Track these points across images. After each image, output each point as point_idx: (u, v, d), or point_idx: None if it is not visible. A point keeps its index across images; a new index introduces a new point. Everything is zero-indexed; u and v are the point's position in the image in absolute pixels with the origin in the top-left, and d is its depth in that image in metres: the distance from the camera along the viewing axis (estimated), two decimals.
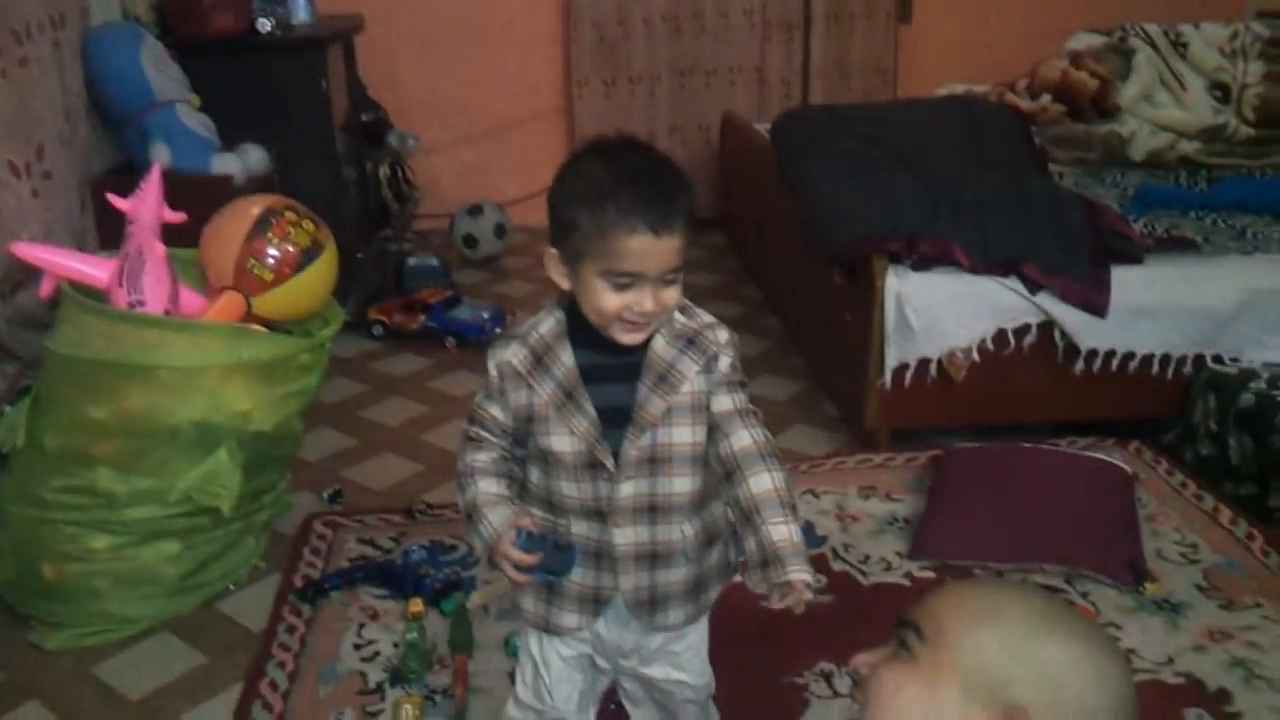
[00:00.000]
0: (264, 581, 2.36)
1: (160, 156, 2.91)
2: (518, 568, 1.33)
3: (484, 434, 1.42)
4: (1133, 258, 2.85)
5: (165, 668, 2.10)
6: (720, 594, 1.52)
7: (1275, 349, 2.86)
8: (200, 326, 2.18)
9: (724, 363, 1.37)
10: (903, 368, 2.81)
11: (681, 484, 1.37)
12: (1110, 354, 2.83)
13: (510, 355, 1.37)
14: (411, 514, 2.59)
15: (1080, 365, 2.83)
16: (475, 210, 4.58)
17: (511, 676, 2.00)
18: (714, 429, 1.38)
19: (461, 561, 2.39)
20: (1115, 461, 2.64)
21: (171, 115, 3.09)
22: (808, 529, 2.47)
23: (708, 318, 1.39)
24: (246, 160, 3.20)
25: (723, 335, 1.38)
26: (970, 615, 0.98)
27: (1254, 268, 2.90)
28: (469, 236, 4.56)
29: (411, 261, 4.09)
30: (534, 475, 1.41)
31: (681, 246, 1.26)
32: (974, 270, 2.76)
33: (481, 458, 1.42)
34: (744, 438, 1.37)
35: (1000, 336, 2.80)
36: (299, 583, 2.31)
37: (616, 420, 1.34)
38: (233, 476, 2.17)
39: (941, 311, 2.76)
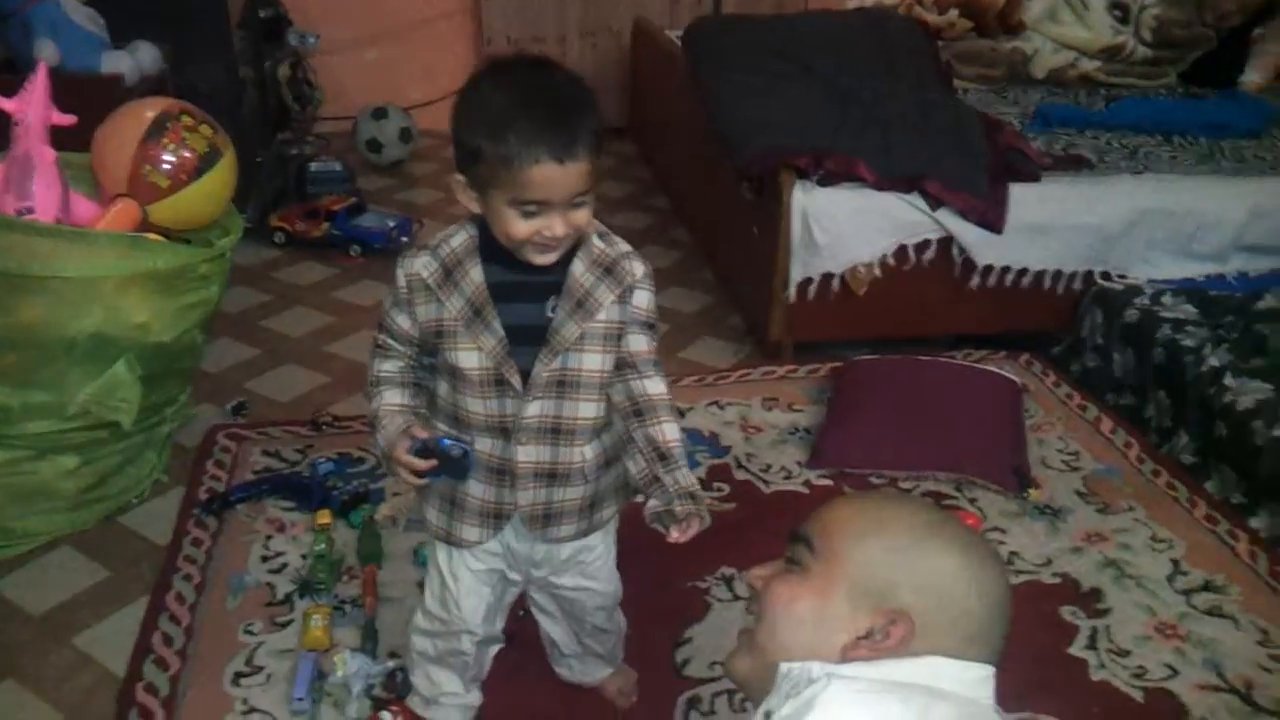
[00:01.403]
0: (167, 495, 2.34)
1: (46, 54, 2.77)
2: (415, 473, 1.36)
3: (391, 343, 1.42)
4: (1030, 175, 2.93)
5: (68, 582, 2.08)
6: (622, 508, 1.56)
7: (1160, 266, 2.99)
8: (94, 236, 2.11)
9: (641, 298, 1.38)
10: (807, 282, 2.87)
11: (587, 409, 1.39)
12: (1005, 269, 2.92)
13: (420, 267, 1.36)
14: (317, 426, 2.58)
15: (977, 280, 2.92)
16: (380, 113, 4.47)
17: (421, 586, 2.05)
18: (624, 364, 1.39)
19: (369, 473, 2.40)
20: (1005, 374, 2.75)
21: (56, 9, 2.93)
22: (712, 439, 2.54)
23: (624, 246, 1.39)
24: (138, 58, 3.06)
25: (639, 267, 1.38)
26: (857, 528, 1.03)
27: (1143, 187, 3.00)
28: (373, 141, 4.45)
29: (314, 166, 3.97)
30: (442, 389, 1.42)
31: (588, 170, 1.24)
32: (878, 186, 2.81)
33: (388, 367, 1.43)
34: (658, 384, 1.40)
35: (901, 252, 2.87)
36: (203, 495, 2.30)
37: (525, 338, 1.34)
38: (132, 389, 2.13)
39: (846, 227, 2.81)
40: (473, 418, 1.39)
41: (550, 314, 1.34)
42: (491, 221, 1.29)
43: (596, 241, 1.36)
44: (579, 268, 1.34)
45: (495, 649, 1.69)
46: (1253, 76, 4.11)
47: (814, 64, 3.31)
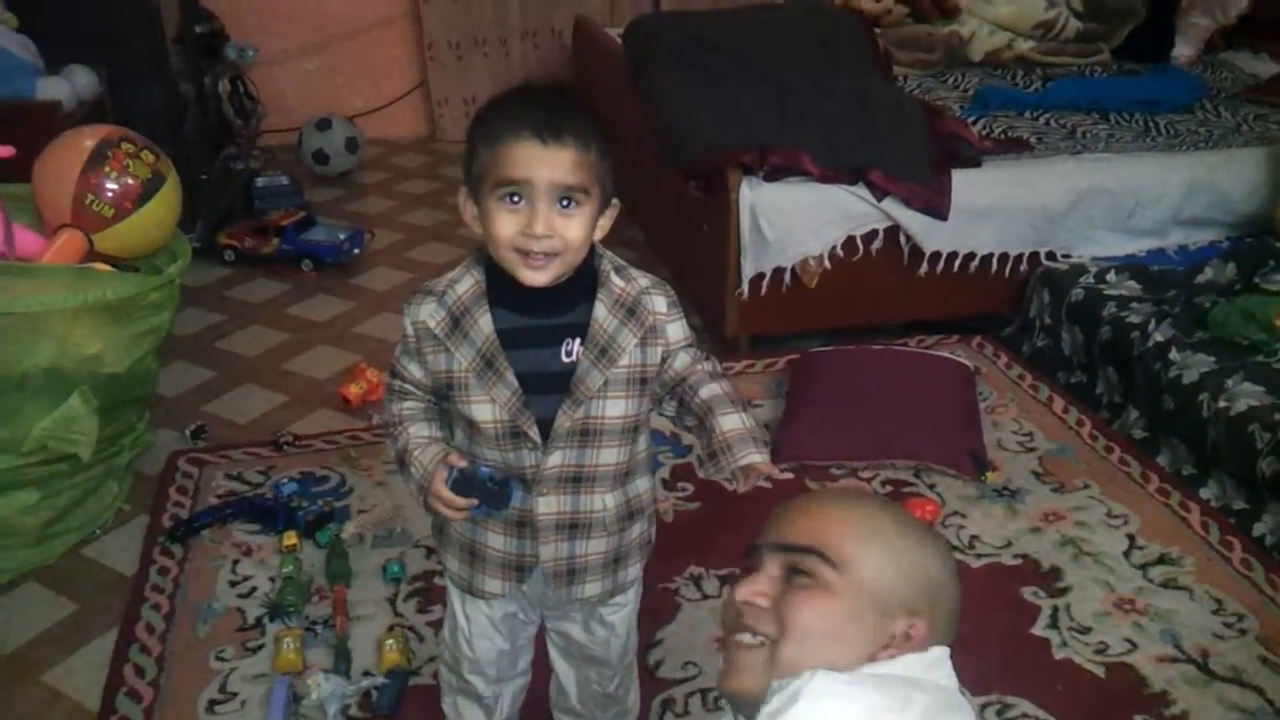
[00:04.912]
0: (131, 524, 2.32)
1: None
2: (454, 507, 1.29)
3: (408, 387, 1.37)
4: (971, 161, 2.98)
5: (35, 618, 2.06)
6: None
7: (1103, 245, 3.07)
8: (41, 270, 2.10)
9: (673, 331, 1.33)
10: (759, 277, 2.90)
11: (609, 455, 1.33)
12: (953, 255, 2.97)
13: (425, 315, 1.30)
14: (279, 446, 2.57)
15: (925, 267, 2.97)
16: (324, 124, 4.44)
17: (390, 603, 2.07)
18: (675, 383, 1.36)
19: (334, 492, 2.40)
20: (958, 358, 2.80)
21: None
22: (674, 439, 2.56)
23: (644, 280, 1.33)
24: (74, 83, 3.03)
25: (660, 302, 1.32)
26: (858, 535, 1.04)
27: (1082, 167, 3.06)
28: (319, 152, 4.42)
29: (260, 181, 3.95)
30: (458, 438, 1.37)
31: (575, 161, 1.19)
32: (823, 179, 2.84)
33: (409, 405, 1.37)
34: (711, 388, 1.35)
35: (849, 243, 2.91)
36: (167, 523, 2.29)
37: (541, 387, 1.28)
38: (88, 421, 2.12)
39: (793, 221, 2.84)
40: (492, 470, 1.32)
41: (566, 358, 1.28)
42: (485, 231, 1.24)
43: (615, 279, 1.30)
44: (601, 311, 1.28)
45: (522, 685, 1.63)
46: (1184, 50, 4.19)
47: (754, 58, 3.33)
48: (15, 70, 2.91)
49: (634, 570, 1.46)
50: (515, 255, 1.22)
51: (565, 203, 1.21)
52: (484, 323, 1.28)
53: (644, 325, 1.30)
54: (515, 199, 1.20)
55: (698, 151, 2.89)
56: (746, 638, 1.03)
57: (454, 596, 1.50)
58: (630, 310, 1.30)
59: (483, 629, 1.49)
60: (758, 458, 1.29)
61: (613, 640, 1.52)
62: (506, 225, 1.20)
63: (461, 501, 1.28)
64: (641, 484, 1.41)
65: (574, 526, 1.36)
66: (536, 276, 1.23)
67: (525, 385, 1.28)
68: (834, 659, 0.98)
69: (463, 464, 1.30)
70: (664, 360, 1.34)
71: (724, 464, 1.29)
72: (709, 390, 1.34)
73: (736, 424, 1.31)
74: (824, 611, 1.00)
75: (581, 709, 1.62)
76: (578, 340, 1.29)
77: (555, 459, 1.31)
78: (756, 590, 1.04)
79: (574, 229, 1.22)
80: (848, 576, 1.01)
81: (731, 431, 1.30)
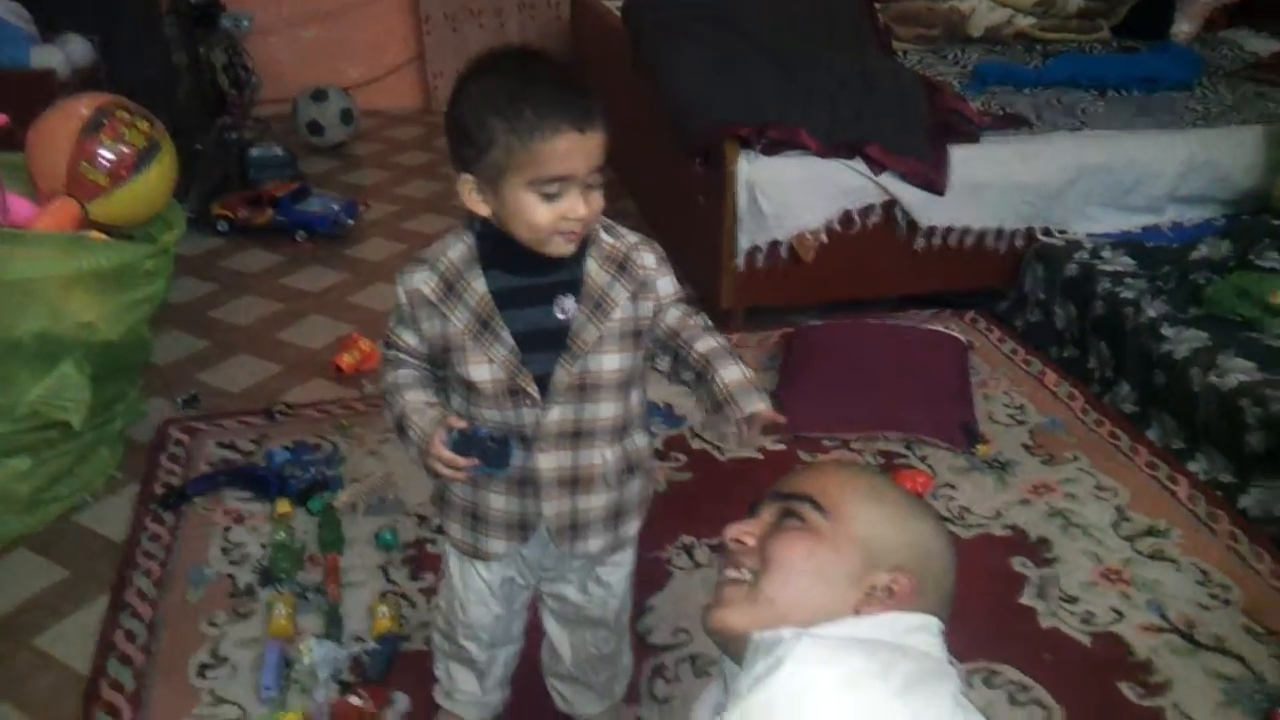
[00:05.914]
0: (122, 491, 2.33)
1: None
2: (454, 467, 1.29)
3: (402, 356, 1.38)
4: (970, 136, 2.97)
5: (26, 584, 2.07)
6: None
7: (1099, 221, 3.06)
8: (34, 237, 2.09)
9: (664, 286, 1.35)
10: (755, 250, 2.89)
11: (607, 409, 1.34)
12: (949, 230, 2.97)
13: (419, 282, 1.31)
14: (271, 415, 2.57)
15: (921, 241, 2.96)
16: (319, 95, 4.42)
17: (384, 570, 2.07)
18: (668, 338, 1.37)
19: (327, 460, 2.40)
20: (952, 332, 2.80)
21: None
22: (667, 410, 2.56)
23: (632, 237, 1.35)
24: (68, 51, 3.02)
25: (649, 258, 1.34)
26: (861, 494, 1.08)
27: (1081, 144, 3.05)
28: (314, 123, 4.41)
29: (255, 151, 3.93)
30: (455, 402, 1.37)
31: (603, 143, 1.21)
32: (820, 154, 2.83)
33: (404, 373, 1.37)
34: (707, 341, 1.36)
35: (846, 217, 2.90)
36: (159, 490, 2.29)
37: (536, 344, 1.30)
38: (81, 388, 2.12)
39: (790, 195, 2.83)
40: (491, 430, 1.33)
41: (560, 315, 1.30)
42: (508, 217, 1.23)
43: (605, 236, 1.32)
44: (593, 266, 1.30)
45: (515, 651, 1.65)
46: (1184, 26, 4.18)
47: (753, 32, 3.31)
48: (10, 38, 2.90)
49: (633, 526, 1.48)
50: (554, 236, 1.23)
51: (593, 180, 1.23)
52: (478, 285, 1.29)
53: (635, 280, 1.32)
54: (554, 191, 1.20)
55: (697, 127, 2.88)
56: (731, 572, 1.07)
57: (452, 562, 1.51)
58: (621, 265, 1.32)
59: (480, 594, 1.50)
60: (762, 405, 1.30)
61: (610, 600, 1.54)
62: (544, 214, 1.21)
63: (462, 461, 1.29)
64: (639, 439, 1.42)
65: (575, 481, 1.38)
66: (569, 248, 1.25)
67: (522, 343, 1.30)
68: (811, 598, 1.01)
69: (461, 424, 1.31)
70: (655, 314, 1.35)
71: (730, 414, 1.30)
72: (705, 344, 1.35)
73: (738, 375, 1.32)
74: (804, 549, 1.04)
75: (576, 672, 1.63)
76: (571, 296, 1.30)
77: (555, 415, 1.33)
78: (745, 530, 1.08)
79: (599, 200, 1.25)
80: (836, 524, 1.04)
81: (734, 383, 1.31)
